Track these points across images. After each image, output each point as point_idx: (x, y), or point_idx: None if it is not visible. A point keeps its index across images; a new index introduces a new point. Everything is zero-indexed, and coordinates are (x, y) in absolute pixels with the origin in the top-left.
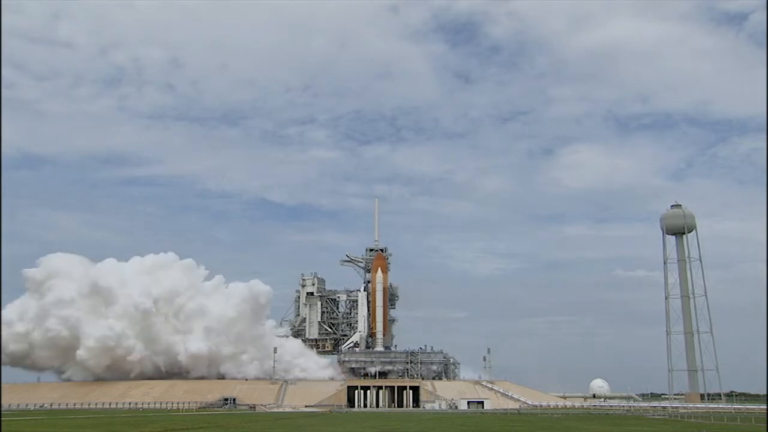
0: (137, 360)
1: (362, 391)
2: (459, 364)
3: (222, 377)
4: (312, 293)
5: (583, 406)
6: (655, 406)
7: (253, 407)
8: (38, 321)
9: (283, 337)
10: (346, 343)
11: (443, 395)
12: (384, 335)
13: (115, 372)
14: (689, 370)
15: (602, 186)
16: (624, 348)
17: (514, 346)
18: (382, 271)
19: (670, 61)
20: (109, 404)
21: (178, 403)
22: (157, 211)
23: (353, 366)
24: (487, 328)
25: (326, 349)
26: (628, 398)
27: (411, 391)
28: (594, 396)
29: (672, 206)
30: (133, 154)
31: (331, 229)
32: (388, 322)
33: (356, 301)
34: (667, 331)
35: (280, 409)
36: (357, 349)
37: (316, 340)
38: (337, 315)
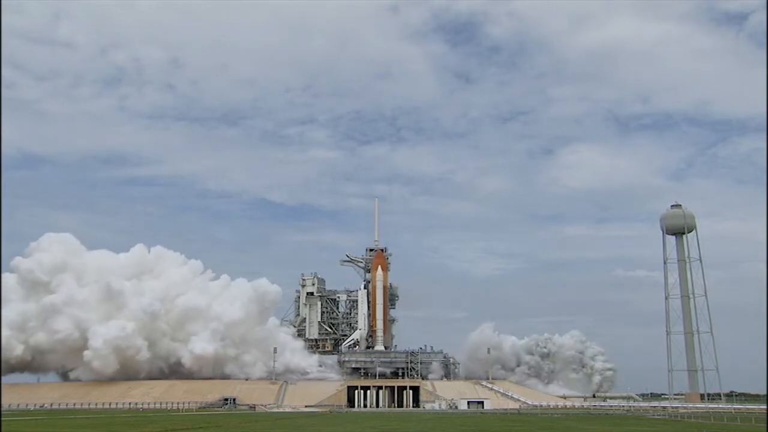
0: (145, 361)
1: (362, 391)
2: (459, 364)
3: (227, 377)
4: (312, 293)
5: (583, 406)
6: (655, 406)
7: (253, 407)
8: (44, 322)
9: (292, 338)
10: (347, 341)
11: (443, 395)
12: (384, 333)
13: (122, 373)
14: (689, 370)
15: (602, 186)
16: (624, 348)
17: None
18: (383, 269)
19: (670, 61)
20: (109, 404)
21: (177, 403)
22: (157, 211)
23: (353, 366)
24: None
25: (326, 349)
26: (628, 398)
27: (411, 391)
28: (594, 396)
29: (672, 206)
30: (133, 154)
31: (331, 229)
32: (388, 322)
33: (356, 301)
34: (667, 331)
35: (280, 409)
36: (357, 347)
37: (316, 340)
38: (337, 315)
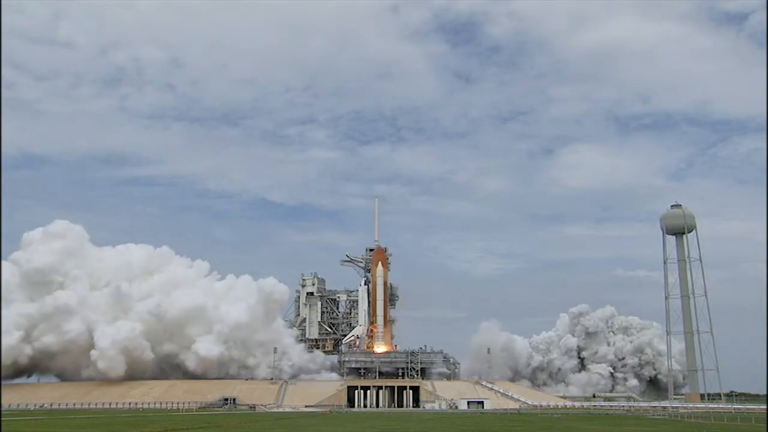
0: (150, 362)
1: (362, 391)
2: (459, 364)
3: (229, 377)
4: (312, 293)
5: (583, 406)
6: (655, 406)
7: (253, 407)
8: (54, 323)
9: (297, 341)
10: (347, 337)
11: (443, 395)
12: (384, 328)
13: (128, 374)
14: (689, 370)
15: (602, 186)
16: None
17: None
18: (383, 266)
19: (670, 61)
20: (109, 404)
21: (178, 403)
22: (158, 211)
23: (353, 366)
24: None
25: (327, 349)
26: (628, 398)
27: (411, 391)
28: (594, 396)
29: (672, 206)
30: (133, 154)
31: (331, 229)
32: (389, 322)
33: (356, 301)
34: (667, 331)
35: (280, 409)
36: (359, 341)
37: (316, 340)
38: (337, 315)
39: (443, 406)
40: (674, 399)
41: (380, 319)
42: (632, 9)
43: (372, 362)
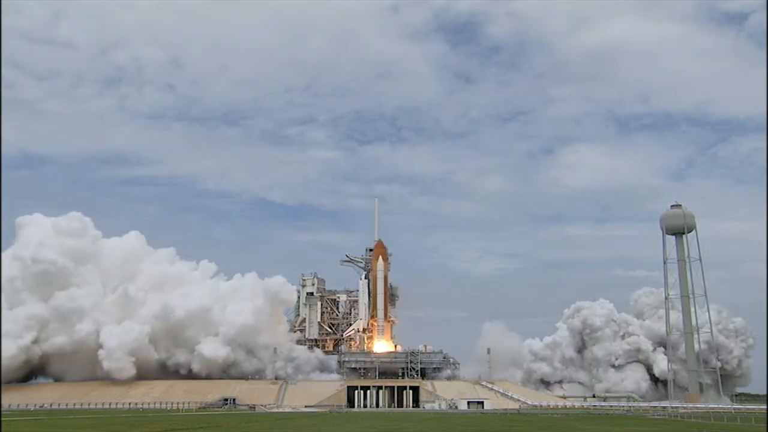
0: (156, 363)
1: (362, 391)
2: (459, 364)
3: (229, 377)
4: (312, 293)
5: (583, 406)
6: (655, 406)
7: (253, 407)
8: (63, 324)
9: (301, 344)
10: (348, 330)
11: (443, 395)
12: (385, 322)
13: (136, 375)
14: (689, 370)
15: (602, 186)
16: None
17: None
18: (383, 260)
19: (670, 61)
20: (109, 404)
21: (177, 404)
22: (158, 211)
23: (354, 366)
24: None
25: (327, 349)
26: (628, 398)
27: (411, 391)
28: (594, 396)
29: (672, 206)
30: (133, 154)
31: (331, 229)
32: (389, 316)
33: (356, 301)
34: (667, 331)
35: (280, 410)
36: (359, 335)
37: (316, 340)
38: (337, 315)
39: (443, 406)
40: (673, 399)
41: (380, 313)
42: (632, 9)
43: (372, 362)
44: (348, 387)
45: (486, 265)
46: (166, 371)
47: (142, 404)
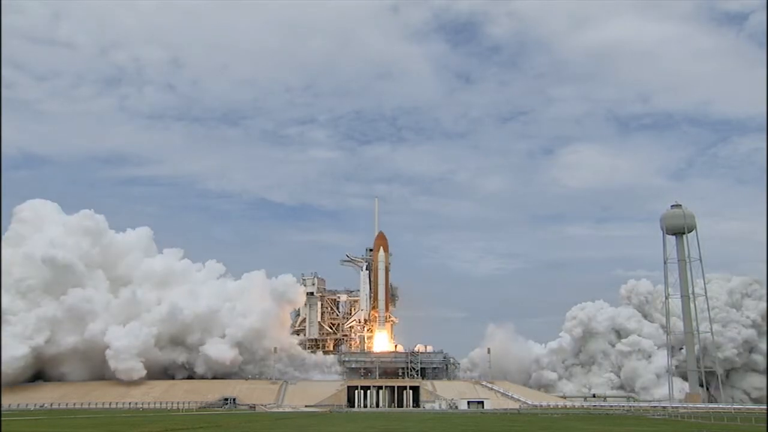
0: (165, 364)
1: (362, 391)
2: (459, 364)
3: (229, 377)
4: (312, 293)
5: (583, 406)
6: (655, 406)
7: (253, 407)
8: (76, 325)
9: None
10: (350, 321)
11: (443, 395)
12: (386, 311)
13: (144, 376)
14: (689, 370)
15: (602, 186)
16: None
17: None
18: (384, 250)
19: (670, 61)
20: (109, 404)
21: (177, 403)
22: (158, 211)
23: (353, 366)
24: (487, 328)
25: (327, 349)
26: (628, 398)
27: (411, 391)
28: (594, 396)
29: (672, 206)
30: (133, 154)
31: (331, 229)
32: (389, 307)
33: (357, 301)
34: (666, 331)
35: (280, 409)
36: (361, 324)
37: (316, 340)
38: (338, 315)
39: (443, 406)
40: (673, 399)
41: (381, 304)
42: (632, 9)
43: (372, 362)
44: (348, 387)
45: (486, 265)
46: (169, 371)
47: (142, 404)
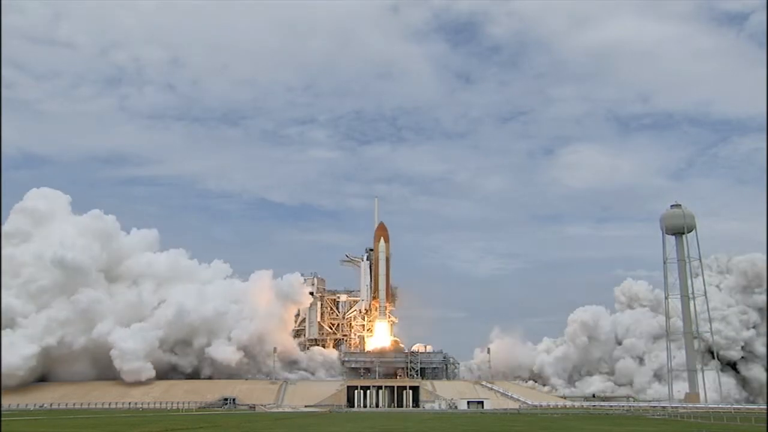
0: (170, 365)
1: (362, 391)
2: (459, 364)
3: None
4: (312, 293)
5: (583, 405)
6: (655, 406)
7: (253, 407)
8: (83, 326)
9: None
10: (351, 311)
11: (443, 395)
12: (387, 301)
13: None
14: (689, 370)
15: (602, 186)
16: None
17: None
18: (385, 241)
19: (670, 61)
20: (109, 404)
21: (177, 403)
22: (158, 211)
23: (353, 366)
24: (487, 328)
25: (327, 349)
26: (628, 398)
27: (411, 391)
28: (594, 396)
29: (672, 206)
30: (133, 154)
31: (331, 229)
32: (390, 296)
33: (357, 301)
34: (666, 330)
35: (280, 409)
36: (360, 315)
37: (316, 340)
38: (338, 315)
39: (443, 406)
40: (673, 399)
41: (382, 294)
42: (632, 9)
43: (372, 362)
44: (348, 387)
45: (486, 265)
46: (173, 372)
47: (142, 404)
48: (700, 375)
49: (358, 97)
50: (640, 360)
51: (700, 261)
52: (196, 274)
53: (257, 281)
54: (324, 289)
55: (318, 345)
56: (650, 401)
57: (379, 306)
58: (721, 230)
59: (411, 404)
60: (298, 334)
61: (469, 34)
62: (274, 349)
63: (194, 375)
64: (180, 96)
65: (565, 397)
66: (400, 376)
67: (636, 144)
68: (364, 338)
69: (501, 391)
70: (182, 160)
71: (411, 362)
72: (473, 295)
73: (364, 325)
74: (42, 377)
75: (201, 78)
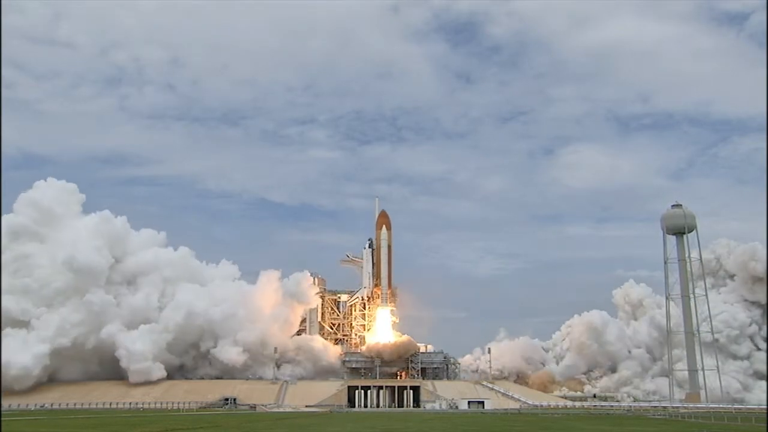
0: (175, 366)
1: (362, 391)
2: (459, 364)
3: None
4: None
5: (583, 405)
6: (655, 406)
7: (253, 407)
8: (97, 327)
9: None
10: (352, 299)
11: (443, 395)
12: (388, 290)
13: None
14: (689, 370)
15: (602, 186)
16: None
17: None
18: (387, 229)
19: (670, 61)
20: (109, 404)
21: (178, 403)
22: (158, 211)
23: (354, 366)
24: (487, 328)
25: None
26: (627, 396)
27: (411, 391)
28: (594, 396)
29: (672, 206)
30: (133, 154)
31: (331, 229)
32: (392, 284)
33: (357, 302)
34: (667, 330)
35: (281, 409)
36: (363, 302)
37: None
38: (338, 315)
39: (443, 406)
40: (674, 399)
41: (384, 281)
42: (632, 9)
43: (372, 362)
44: (348, 387)
45: (486, 265)
46: (177, 372)
47: (143, 404)
48: (700, 374)
49: (358, 97)
50: (644, 367)
51: (701, 261)
52: (205, 274)
53: (265, 283)
54: (324, 289)
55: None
56: (651, 401)
57: (382, 292)
58: (721, 230)
59: (411, 404)
60: (299, 334)
61: (469, 34)
62: (275, 349)
63: (198, 375)
64: (180, 96)
65: (565, 397)
66: (405, 370)
67: (636, 144)
68: (364, 338)
69: (501, 391)
70: (182, 160)
71: (411, 362)
72: (473, 295)
73: (364, 325)
74: (48, 379)
75: (201, 78)
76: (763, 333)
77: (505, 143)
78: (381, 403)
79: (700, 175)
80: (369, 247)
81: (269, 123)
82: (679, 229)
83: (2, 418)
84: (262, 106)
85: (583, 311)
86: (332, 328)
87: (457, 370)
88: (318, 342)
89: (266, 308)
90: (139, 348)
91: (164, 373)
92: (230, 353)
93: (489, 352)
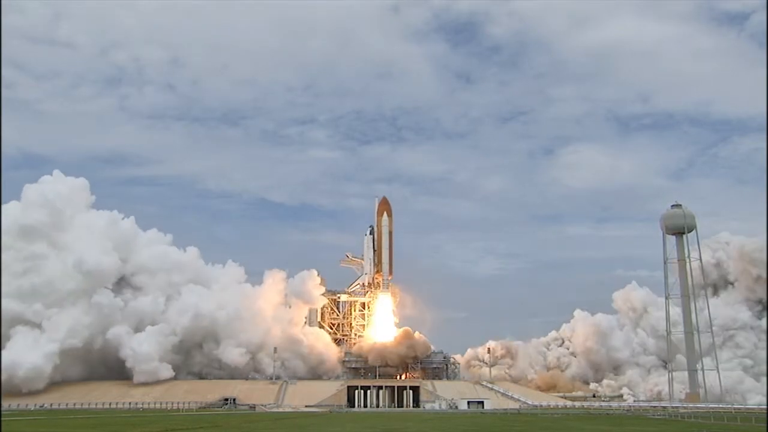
0: (178, 366)
1: (362, 391)
2: (459, 364)
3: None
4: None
5: (583, 406)
6: (655, 406)
7: (253, 407)
8: (106, 328)
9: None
10: (353, 285)
11: (443, 395)
12: (390, 275)
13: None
14: (689, 370)
15: (602, 186)
16: None
17: None
18: (388, 215)
19: (670, 61)
20: (109, 404)
21: (178, 403)
22: (158, 211)
23: (354, 366)
24: (487, 328)
25: None
26: (628, 395)
27: (411, 391)
28: (594, 396)
29: (672, 206)
30: (133, 154)
31: (331, 229)
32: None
33: (357, 302)
34: (667, 330)
35: (280, 409)
36: (363, 288)
37: None
38: (338, 315)
39: (443, 406)
40: (673, 399)
41: (385, 267)
42: (632, 9)
43: (372, 361)
44: (348, 387)
45: (486, 265)
46: (180, 372)
47: (142, 404)
48: (700, 374)
49: (358, 97)
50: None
51: (701, 261)
52: (211, 275)
53: (271, 283)
54: (324, 289)
55: None
56: (651, 401)
57: (383, 279)
58: (721, 230)
59: (411, 404)
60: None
61: (469, 34)
62: (275, 349)
63: (200, 376)
64: (180, 96)
65: (565, 397)
66: (407, 367)
67: (636, 144)
68: (364, 338)
69: (501, 391)
70: (182, 160)
71: (411, 362)
72: (473, 295)
73: (364, 325)
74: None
75: (201, 78)
76: (763, 333)
77: (505, 143)
78: (380, 403)
79: (700, 175)
80: (370, 234)
81: (269, 123)
82: (679, 229)
83: (2, 418)
84: (262, 106)
85: (583, 310)
86: (332, 328)
87: (456, 370)
88: (321, 339)
89: (270, 309)
90: (146, 349)
91: (172, 374)
92: (233, 354)
93: (489, 351)
